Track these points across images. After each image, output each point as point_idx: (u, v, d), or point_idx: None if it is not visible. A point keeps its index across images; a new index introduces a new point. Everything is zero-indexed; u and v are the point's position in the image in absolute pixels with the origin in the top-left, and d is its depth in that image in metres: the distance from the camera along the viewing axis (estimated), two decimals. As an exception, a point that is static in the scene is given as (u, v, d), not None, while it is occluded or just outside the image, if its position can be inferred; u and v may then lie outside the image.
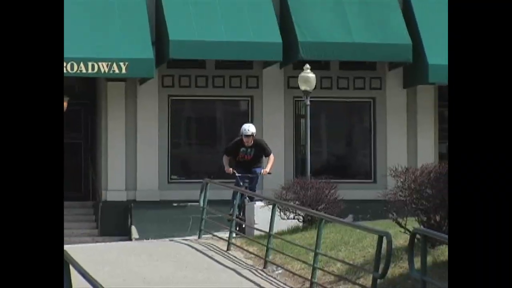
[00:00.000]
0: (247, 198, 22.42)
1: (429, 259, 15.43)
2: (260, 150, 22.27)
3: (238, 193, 21.51)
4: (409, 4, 34.73)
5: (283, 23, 33.82)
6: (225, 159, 22.31)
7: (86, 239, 30.20)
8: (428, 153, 33.43)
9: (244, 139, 21.64)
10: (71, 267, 12.45)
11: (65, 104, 32.40)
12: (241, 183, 21.86)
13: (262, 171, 22.34)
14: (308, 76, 30.41)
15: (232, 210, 22.03)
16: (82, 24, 32.55)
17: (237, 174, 21.91)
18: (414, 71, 33.61)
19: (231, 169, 21.77)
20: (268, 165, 22.17)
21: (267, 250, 20.70)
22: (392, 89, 34.60)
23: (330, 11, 34.61)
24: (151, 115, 33.37)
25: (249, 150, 21.74)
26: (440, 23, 32.95)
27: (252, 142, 21.45)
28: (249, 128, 21.98)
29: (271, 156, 22.29)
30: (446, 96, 30.10)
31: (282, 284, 19.02)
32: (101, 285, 11.27)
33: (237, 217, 21.79)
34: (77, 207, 35.18)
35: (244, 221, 22.44)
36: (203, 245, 24.07)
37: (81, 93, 34.75)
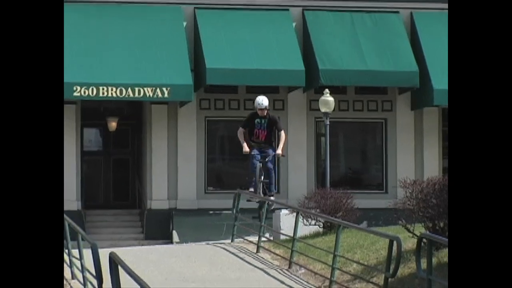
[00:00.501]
0: (268, 163, 21.02)
1: (434, 260, 15.25)
2: (273, 123, 20.76)
3: (257, 163, 20.55)
4: (416, 34, 35.42)
5: (305, 52, 34.47)
6: (240, 133, 20.69)
7: (133, 243, 30.33)
8: (433, 167, 34.06)
9: (259, 112, 20.36)
10: (119, 267, 13.34)
11: (114, 123, 35.40)
12: (256, 160, 20.55)
13: (275, 152, 20.90)
14: (328, 100, 31.41)
15: (254, 176, 20.92)
16: (130, 54, 33.62)
17: (252, 153, 20.49)
18: (421, 95, 34.33)
19: (248, 148, 20.24)
20: (280, 144, 20.78)
21: (291, 252, 20.90)
22: (401, 111, 35.36)
23: (346, 41, 35.39)
24: (190, 134, 34.38)
25: (263, 121, 20.20)
26: (444, 51, 30.36)
27: (267, 114, 20.11)
28: (262, 101, 20.38)
29: (282, 133, 20.84)
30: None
31: (305, 283, 19.16)
32: (145, 283, 11.90)
33: (259, 181, 20.81)
34: (125, 215, 36.21)
35: (268, 184, 21.16)
36: (235, 248, 23.96)
37: (129, 115, 36.00)
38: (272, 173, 20.65)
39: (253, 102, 33.22)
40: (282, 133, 20.08)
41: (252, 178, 20.48)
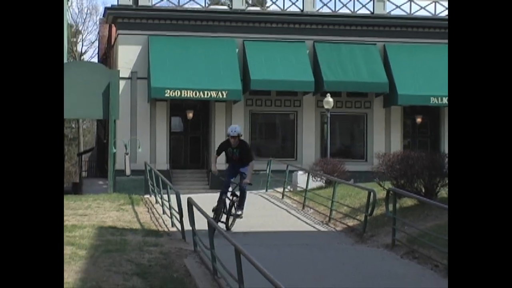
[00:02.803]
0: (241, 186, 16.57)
1: (397, 205, 16.47)
2: (244, 153, 16.22)
3: (225, 194, 15.98)
4: (387, 58, 35.92)
5: (315, 69, 35.16)
6: (213, 157, 17.21)
7: (202, 191, 29.74)
8: (397, 145, 35.41)
9: (231, 140, 16.15)
10: (193, 207, 14.61)
11: (191, 114, 36.38)
12: (226, 185, 16.13)
13: (244, 181, 16.19)
14: (329, 100, 32.79)
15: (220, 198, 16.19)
16: (201, 69, 34.40)
17: (221, 178, 16.61)
18: (389, 98, 35.66)
19: (216, 170, 16.57)
20: (248, 174, 16.15)
21: (304, 199, 22.59)
22: (376, 108, 36.90)
23: (341, 62, 35.83)
24: (239, 121, 34.36)
25: (235, 150, 15.97)
26: (405, 69, 35.66)
27: (238, 143, 15.86)
28: (235, 129, 16.36)
29: (251, 164, 16.30)
30: (409, 112, 37.52)
31: (312, 218, 20.67)
32: (207, 214, 13.42)
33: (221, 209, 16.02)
34: (197, 173, 36.54)
35: (238, 203, 16.45)
36: (268, 195, 25.92)
37: (200, 109, 36.71)
38: (245, 194, 16.43)
39: (280, 101, 36.10)
40: (251, 163, 16.07)
41: (221, 197, 16.11)
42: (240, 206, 15.58)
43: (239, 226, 17.38)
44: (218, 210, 15.14)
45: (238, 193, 15.96)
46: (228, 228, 15.31)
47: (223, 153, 16.17)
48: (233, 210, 15.61)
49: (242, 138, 16.40)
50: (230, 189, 15.89)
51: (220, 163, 18.78)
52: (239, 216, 15.71)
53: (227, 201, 15.69)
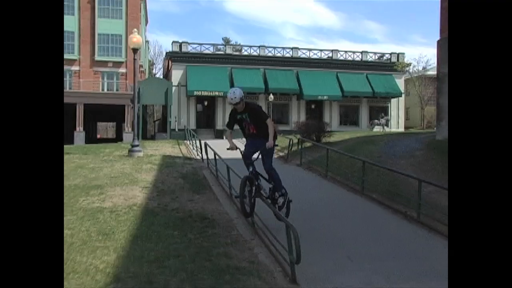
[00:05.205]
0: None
1: (302, 146, 16.79)
2: (256, 114, 8.18)
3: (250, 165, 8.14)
4: (298, 77, 39.89)
5: (264, 81, 39.29)
6: (228, 133, 8.67)
7: (210, 139, 26.45)
8: (303, 118, 37.98)
9: (236, 107, 8.26)
10: (207, 146, 15.11)
11: (206, 103, 38.57)
12: (246, 156, 8.15)
13: (267, 144, 7.88)
14: (271, 97, 37.64)
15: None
16: (211, 81, 36.88)
17: (240, 150, 8.25)
18: (299, 96, 40.00)
19: (234, 145, 8.15)
20: (270, 136, 7.90)
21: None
22: (293, 101, 41.09)
23: (277, 77, 39.63)
24: (228, 108, 33.18)
25: (244, 115, 8.19)
26: (307, 82, 39.59)
27: (244, 106, 8.16)
28: (234, 93, 8.00)
29: (268, 122, 8.11)
30: (308, 103, 40.88)
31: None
32: (215, 151, 13.19)
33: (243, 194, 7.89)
34: (208, 131, 37.99)
35: (273, 188, 8.23)
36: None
37: (210, 101, 38.66)
38: (275, 173, 8.26)
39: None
40: (268, 122, 8.19)
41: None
42: (278, 188, 8.14)
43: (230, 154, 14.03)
44: (241, 189, 7.74)
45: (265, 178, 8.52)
46: (249, 215, 8.01)
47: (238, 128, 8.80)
48: (276, 195, 8.15)
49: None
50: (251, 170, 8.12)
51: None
52: (285, 202, 8.20)
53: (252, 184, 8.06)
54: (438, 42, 16.28)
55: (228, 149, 8.15)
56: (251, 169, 8.15)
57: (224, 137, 7.43)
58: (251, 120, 8.11)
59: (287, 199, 8.49)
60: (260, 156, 8.12)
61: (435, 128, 18.15)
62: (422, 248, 7.48)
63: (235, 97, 7.94)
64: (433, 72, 37.60)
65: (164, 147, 21.82)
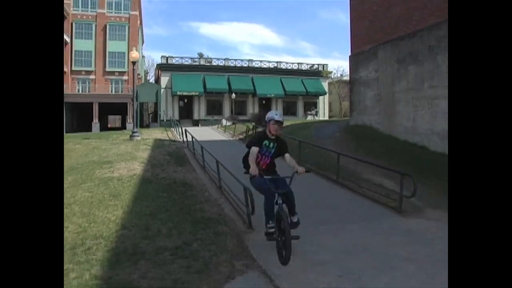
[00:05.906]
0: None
1: (256, 130, 14.78)
2: (282, 147, 4.68)
3: (275, 197, 4.44)
4: (253, 81, 38.08)
5: (228, 84, 37.00)
6: (252, 157, 4.45)
7: (190, 127, 25.98)
8: (256, 111, 37.37)
9: (272, 128, 4.58)
10: (187, 132, 14.72)
11: (185, 100, 36.15)
12: (272, 193, 4.41)
13: (299, 169, 4.33)
14: (233, 95, 35.85)
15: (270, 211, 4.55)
16: (190, 84, 35.16)
17: (265, 177, 4.39)
18: (254, 94, 38.28)
19: (258, 172, 4.33)
20: (294, 162, 4.61)
21: (225, 128, 20.40)
22: (249, 98, 38.96)
23: (240, 81, 37.54)
24: (202, 104, 36.84)
25: (271, 144, 4.62)
26: (261, 84, 38.05)
27: (276, 136, 4.70)
28: (277, 113, 4.76)
29: (289, 156, 4.68)
30: (261, 99, 38.84)
31: (228, 135, 18.42)
32: (195, 137, 12.82)
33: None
34: (188, 121, 36.14)
35: (290, 208, 4.69)
36: (212, 129, 23.55)
37: (189, 99, 37.26)
38: (293, 195, 4.70)
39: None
40: (289, 156, 4.68)
41: (269, 212, 4.49)
42: (292, 211, 4.79)
43: (203, 136, 14.84)
44: (274, 231, 4.50)
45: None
46: (285, 262, 4.31)
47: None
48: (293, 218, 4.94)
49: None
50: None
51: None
52: (298, 223, 4.88)
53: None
54: (350, 57, 16.13)
55: (245, 173, 4.76)
56: (277, 203, 4.71)
57: (250, 159, 4.31)
58: (274, 152, 4.97)
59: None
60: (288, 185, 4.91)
61: (349, 117, 17.63)
62: (338, 200, 7.40)
63: (279, 115, 4.93)
64: (347, 78, 36.71)
65: (156, 133, 21.26)
